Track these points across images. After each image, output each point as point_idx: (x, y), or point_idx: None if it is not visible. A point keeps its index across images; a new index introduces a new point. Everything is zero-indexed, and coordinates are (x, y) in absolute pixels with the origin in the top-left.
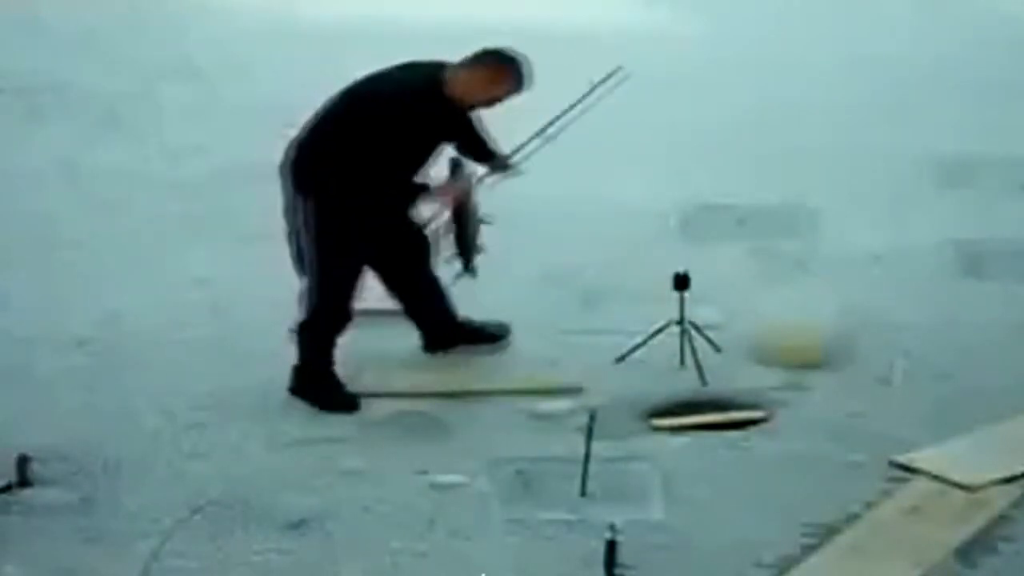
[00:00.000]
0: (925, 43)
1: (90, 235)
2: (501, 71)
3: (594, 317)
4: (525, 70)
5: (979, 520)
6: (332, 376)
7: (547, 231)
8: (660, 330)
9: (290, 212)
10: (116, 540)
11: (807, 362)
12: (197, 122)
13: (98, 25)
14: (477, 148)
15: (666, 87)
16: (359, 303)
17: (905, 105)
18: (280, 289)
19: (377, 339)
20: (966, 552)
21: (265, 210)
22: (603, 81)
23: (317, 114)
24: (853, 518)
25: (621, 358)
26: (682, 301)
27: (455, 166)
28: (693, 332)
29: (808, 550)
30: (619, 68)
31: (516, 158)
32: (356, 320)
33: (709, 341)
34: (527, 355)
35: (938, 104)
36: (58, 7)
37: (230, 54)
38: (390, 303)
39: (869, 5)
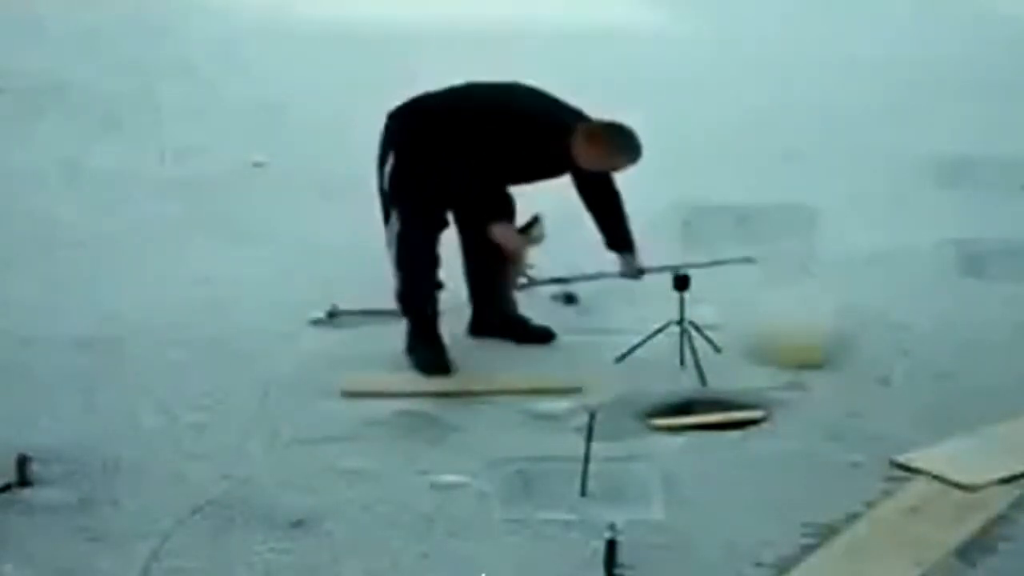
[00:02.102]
0: (925, 43)
1: (90, 235)
2: (619, 148)
3: (594, 317)
4: (638, 146)
5: (979, 520)
6: (427, 339)
7: (547, 231)
8: (660, 330)
9: (379, 166)
10: (116, 540)
11: (807, 362)
12: (197, 122)
13: (98, 25)
14: (608, 222)
15: (667, 87)
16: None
17: (905, 105)
18: (280, 289)
19: (377, 339)
20: (966, 552)
21: (264, 210)
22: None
23: (438, 91)
24: (853, 518)
25: (621, 358)
26: (682, 301)
27: (533, 221)
28: (693, 332)
29: (808, 550)
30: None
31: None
32: (359, 318)
33: (709, 341)
34: (527, 355)
35: (938, 104)
36: (58, 7)
37: (230, 54)
38: (392, 304)
39: (869, 6)
